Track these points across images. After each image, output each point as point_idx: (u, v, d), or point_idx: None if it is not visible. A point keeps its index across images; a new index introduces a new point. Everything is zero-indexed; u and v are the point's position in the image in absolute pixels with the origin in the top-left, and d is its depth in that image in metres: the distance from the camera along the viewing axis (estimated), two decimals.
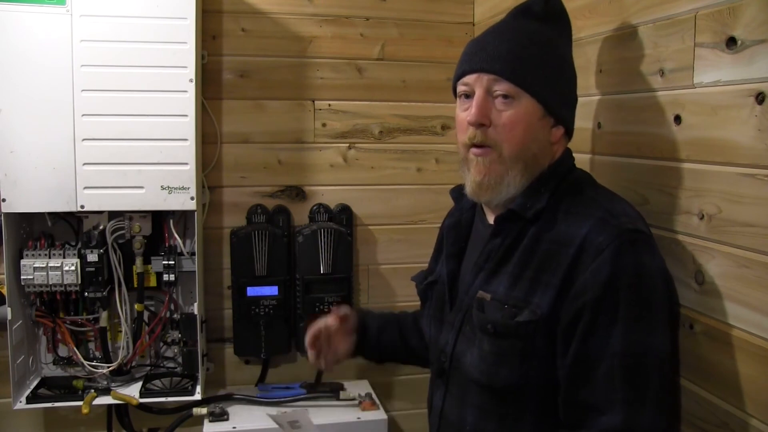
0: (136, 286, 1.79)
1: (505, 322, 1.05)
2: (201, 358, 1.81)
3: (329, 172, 2.03)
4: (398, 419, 2.11)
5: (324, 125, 2.01)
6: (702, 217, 1.09)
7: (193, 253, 1.80)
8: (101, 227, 1.73)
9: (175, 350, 1.88)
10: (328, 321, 1.36)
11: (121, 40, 1.61)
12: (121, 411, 1.87)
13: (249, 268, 1.89)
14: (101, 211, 1.72)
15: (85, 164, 1.62)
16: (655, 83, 1.21)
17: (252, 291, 1.89)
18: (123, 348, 1.78)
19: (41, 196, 1.61)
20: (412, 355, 1.45)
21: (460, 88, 1.14)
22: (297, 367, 2.06)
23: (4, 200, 1.59)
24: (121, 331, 1.79)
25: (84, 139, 1.61)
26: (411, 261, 2.04)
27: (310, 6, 1.97)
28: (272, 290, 1.89)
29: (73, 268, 1.69)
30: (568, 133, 1.16)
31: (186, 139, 1.65)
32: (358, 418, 1.82)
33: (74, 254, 1.70)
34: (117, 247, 1.75)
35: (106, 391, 1.75)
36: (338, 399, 1.89)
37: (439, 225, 1.39)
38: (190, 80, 1.64)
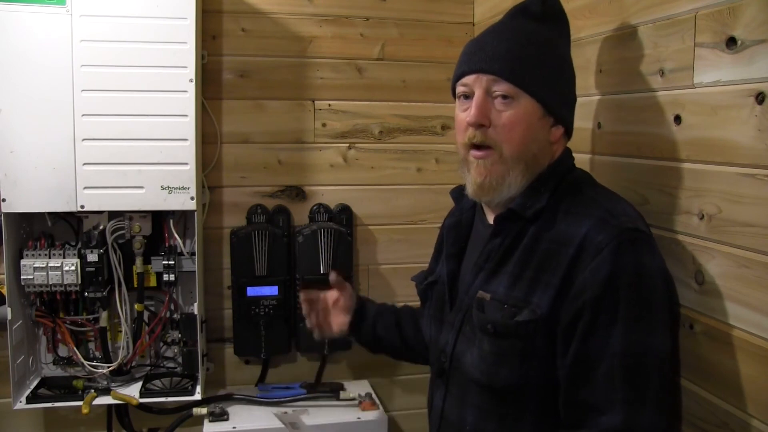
0: (136, 286, 1.78)
1: (505, 321, 1.05)
2: (201, 358, 1.81)
3: (329, 172, 2.03)
4: (398, 419, 2.11)
5: (324, 125, 2.01)
6: (702, 217, 1.09)
7: (193, 253, 1.80)
8: (101, 227, 1.73)
9: (175, 350, 1.88)
10: (327, 294, 1.46)
11: (121, 40, 1.61)
12: (121, 411, 1.87)
13: (249, 268, 1.89)
14: (101, 211, 1.72)
15: (85, 164, 1.62)
16: (655, 83, 1.21)
17: (252, 291, 1.89)
18: (123, 348, 1.78)
19: (41, 196, 1.61)
20: (406, 347, 1.46)
21: (459, 89, 1.14)
22: (297, 367, 2.06)
23: (4, 200, 1.59)
24: (121, 331, 1.79)
25: (84, 139, 1.61)
26: (411, 261, 2.04)
27: (310, 6, 1.97)
28: (272, 290, 1.89)
29: (73, 268, 1.69)
30: (568, 132, 1.16)
31: (186, 139, 1.65)
32: (358, 418, 1.82)
33: (74, 254, 1.70)
34: (117, 247, 1.75)
35: (106, 391, 1.75)
36: (338, 399, 1.89)
37: (439, 225, 1.39)
38: (190, 80, 1.64)
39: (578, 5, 1.45)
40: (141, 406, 1.77)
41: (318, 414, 1.82)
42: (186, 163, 1.65)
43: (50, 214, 1.73)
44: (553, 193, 1.10)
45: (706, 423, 1.09)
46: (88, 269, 1.71)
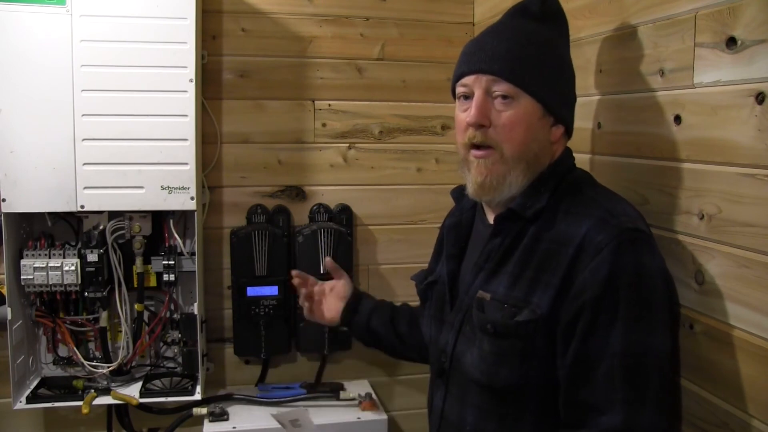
0: (136, 286, 1.78)
1: (505, 321, 1.05)
2: (201, 358, 1.81)
3: (329, 172, 2.03)
4: (398, 419, 2.11)
5: (324, 125, 2.01)
6: (702, 217, 1.09)
7: (193, 253, 1.80)
8: (101, 227, 1.73)
9: (175, 350, 1.88)
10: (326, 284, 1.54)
11: (121, 40, 1.61)
12: (121, 411, 1.87)
13: (249, 268, 1.89)
14: (101, 211, 1.71)
15: (85, 164, 1.62)
16: (655, 83, 1.21)
17: (252, 291, 1.89)
18: (123, 348, 1.78)
19: (41, 196, 1.61)
20: (401, 343, 1.47)
21: (459, 89, 1.14)
22: (297, 367, 2.06)
23: (4, 200, 1.59)
24: (121, 331, 1.79)
25: (84, 139, 1.61)
26: (411, 261, 2.04)
27: (310, 6, 1.97)
28: (272, 290, 1.89)
29: (73, 268, 1.69)
30: (568, 132, 1.16)
31: (186, 139, 1.65)
32: (358, 418, 1.82)
33: (74, 254, 1.70)
34: (117, 247, 1.75)
35: (106, 391, 1.75)
36: (338, 399, 1.89)
37: (439, 225, 1.39)
38: (190, 80, 1.64)
39: (578, 5, 1.45)
40: (141, 406, 1.77)
41: (318, 414, 1.82)
42: (186, 163, 1.65)
43: (50, 214, 1.73)
44: (553, 193, 1.10)
45: (706, 423, 1.09)
46: (88, 269, 1.71)
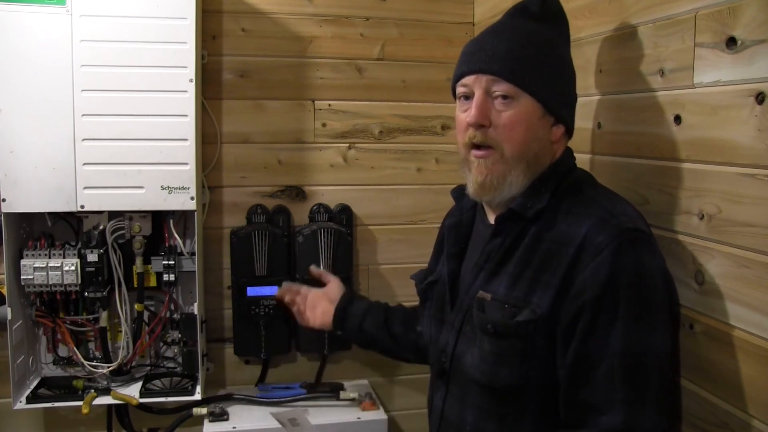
0: (136, 286, 1.78)
1: (506, 322, 1.05)
2: (201, 358, 1.81)
3: (329, 172, 2.03)
4: (398, 419, 2.11)
5: (324, 125, 2.01)
6: (702, 217, 1.09)
7: (193, 253, 1.80)
8: (101, 227, 1.73)
9: (175, 350, 1.88)
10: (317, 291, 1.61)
11: (121, 40, 1.61)
12: (121, 411, 1.87)
13: (249, 268, 1.89)
14: (101, 211, 1.71)
15: (85, 164, 1.61)
16: (655, 83, 1.21)
17: (252, 291, 1.89)
18: (123, 348, 1.78)
19: (41, 196, 1.61)
20: (396, 344, 1.48)
21: (459, 90, 1.14)
22: (297, 367, 2.06)
23: (4, 200, 1.59)
24: (121, 331, 1.79)
25: (84, 139, 1.61)
26: (411, 261, 2.04)
27: (310, 6, 1.97)
28: (272, 290, 1.89)
29: (73, 268, 1.69)
30: (569, 132, 1.17)
31: (186, 139, 1.65)
32: (358, 418, 1.82)
33: (74, 254, 1.70)
34: (117, 247, 1.75)
35: (106, 391, 1.74)
36: (338, 399, 1.89)
37: (439, 225, 1.39)
38: (190, 80, 1.64)
39: (578, 5, 1.45)
40: (141, 406, 1.76)
41: (318, 414, 1.82)
42: (186, 163, 1.65)
43: (50, 214, 1.73)
44: (554, 193, 1.10)
45: (706, 423, 1.09)
46: (88, 269, 1.70)
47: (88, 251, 1.70)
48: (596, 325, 0.98)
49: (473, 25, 2.08)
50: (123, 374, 1.80)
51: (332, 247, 1.90)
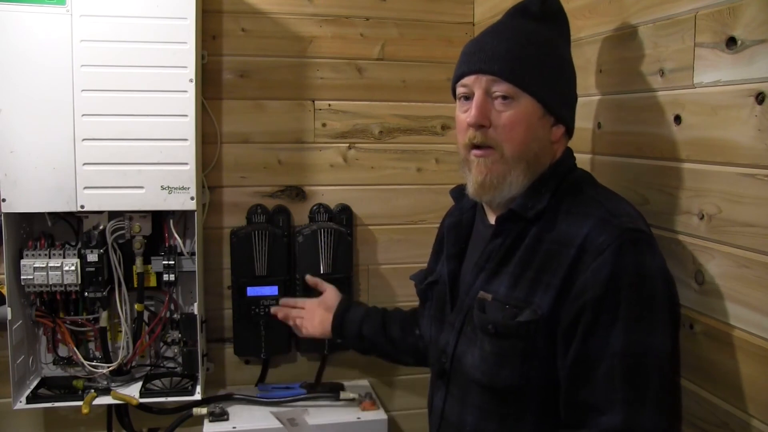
0: (136, 286, 1.78)
1: (506, 322, 1.05)
2: (201, 358, 1.81)
3: (329, 172, 2.03)
4: (398, 419, 2.11)
5: (324, 125, 2.01)
6: (702, 217, 1.09)
7: (193, 253, 1.80)
8: (101, 227, 1.73)
9: (175, 350, 1.88)
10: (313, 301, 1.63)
11: (121, 40, 1.61)
12: (121, 411, 1.87)
13: (249, 268, 1.89)
14: (101, 211, 1.71)
15: (85, 164, 1.61)
16: (655, 83, 1.21)
17: (252, 291, 1.89)
18: (123, 348, 1.78)
19: (41, 196, 1.60)
20: (394, 348, 1.48)
21: (459, 90, 1.14)
22: (297, 367, 2.06)
23: (4, 200, 1.59)
24: (121, 331, 1.79)
25: (84, 139, 1.61)
26: (411, 261, 2.04)
27: (310, 6, 1.97)
28: (272, 290, 1.89)
29: (73, 268, 1.69)
30: (569, 132, 1.16)
31: (186, 139, 1.65)
32: (358, 418, 1.82)
33: (74, 254, 1.70)
34: (117, 247, 1.75)
35: (106, 391, 1.74)
36: (338, 399, 1.89)
37: (439, 225, 1.39)
38: (190, 80, 1.64)
39: (578, 5, 1.45)
40: (141, 406, 1.76)
41: (318, 414, 1.82)
42: (186, 163, 1.65)
43: (50, 214, 1.73)
44: (554, 193, 1.10)
45: (706, 423, 1.10)
46: (88, 269, 1.70)
47: (88, 251, 1.70)
48: (597, 325, 0.98)
49: (473, 25, 2.08)
50: (123, 374, 1.80)
51: (332, 247, 1.90)
